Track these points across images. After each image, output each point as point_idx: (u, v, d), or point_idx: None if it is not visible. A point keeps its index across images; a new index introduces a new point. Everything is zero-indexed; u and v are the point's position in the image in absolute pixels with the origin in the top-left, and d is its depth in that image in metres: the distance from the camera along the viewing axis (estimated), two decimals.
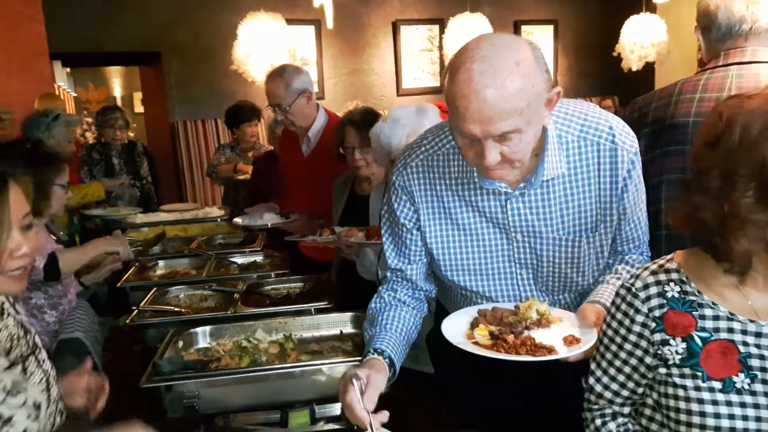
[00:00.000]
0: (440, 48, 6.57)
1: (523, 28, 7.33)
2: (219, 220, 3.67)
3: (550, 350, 1.22)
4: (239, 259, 2.81)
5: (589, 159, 1.38)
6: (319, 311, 2.10)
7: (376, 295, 1.58)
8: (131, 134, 4.62)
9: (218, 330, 1.95)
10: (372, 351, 1.41)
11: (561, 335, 1.28)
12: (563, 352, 1.23)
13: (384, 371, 1.36)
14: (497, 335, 1.27)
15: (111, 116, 4.16)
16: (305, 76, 2.82)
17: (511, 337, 1.24)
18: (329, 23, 5.00)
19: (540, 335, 1.27)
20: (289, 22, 5.38)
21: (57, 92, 5.87)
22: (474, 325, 1.36)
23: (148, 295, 2.26)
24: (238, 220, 3.03)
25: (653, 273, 1.17)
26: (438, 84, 6.99)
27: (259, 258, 2.85)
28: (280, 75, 2.77)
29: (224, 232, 3.39)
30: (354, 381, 1.28)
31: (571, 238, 1.43)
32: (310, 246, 2.56)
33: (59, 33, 5.26)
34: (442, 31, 6.56)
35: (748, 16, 1.68)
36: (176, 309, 2.17)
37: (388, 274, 1.58)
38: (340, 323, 2.01)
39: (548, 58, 6.77)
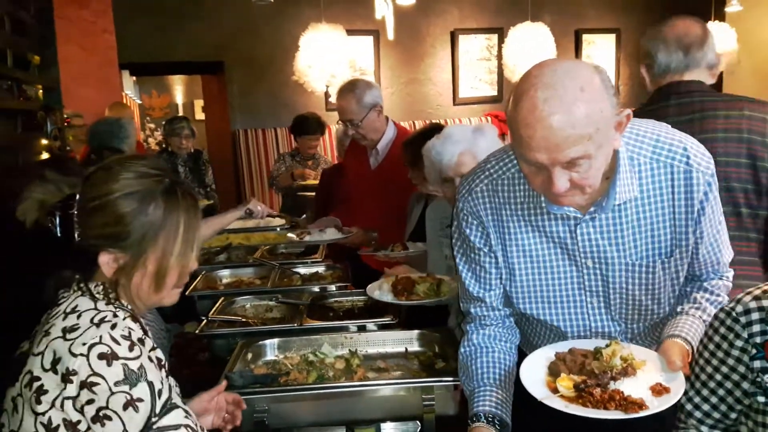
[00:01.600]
0: (499, 57, 6.51)
1: (585, 36, 7.18)
2: (279, 228, 3.72)
3: (641, 405, 1.16)
4: (302, 270, 2.84)
5: (662, 182, 1.33)
6: (384, 327, 2.10)
7: (464, 338, 1.53)
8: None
9: (285, 343, 1.96)
10: (480, 416, 1.36)
11: (647, 383, 1.21)
12: (654, 406, 1.16)
13: None
14: (583, 388, 1.21)
15: (177, 125, 4.29)
16: (375, 90, 2.84)
17: (598, 391, 1.18)
18: (390, 34, 5.02)
19: (626, 386, 1.21)
20: (349, 33, 5.43)
21: (124, 100, 6.10)
22: (553, 371, 1.30)
23: (216, 305, 2.30)
24: (292, 235, 3.03)
25: (756, 298, 1.13)
26: (496, 93, 6.92)
27: (321, 269, 2.87)
28: (351, 90, 2.79)
29: (286, 241, 3.42)
30: None
31: (644, 264, 1.37)
32: (381, 260, 2.57)
33: (127, 43, 5.47)
34: (501, 40, 6.49)
35: (683, 55, 1.94)
36: (243, 320, 2.20)
37: (471, 308, 1.53)
38: (405, 341, 1.99)
39: (610, 67, 6.68)
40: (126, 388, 1.07)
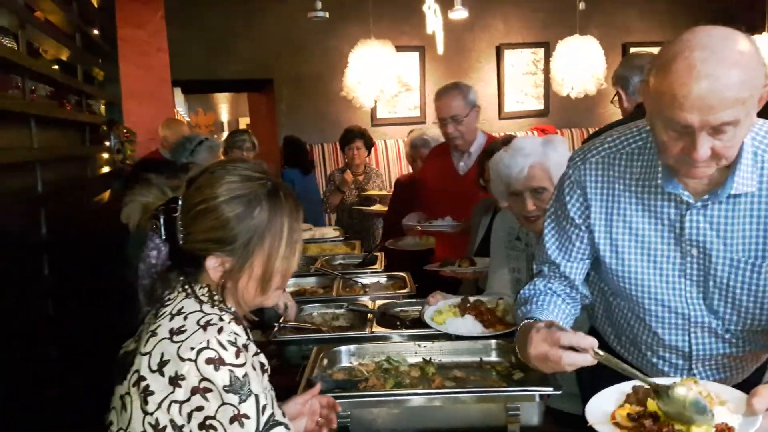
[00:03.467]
0: (546, 71, 6.48)
1: (632, 50, 7.09)
2: (328, 240, 3.75)
3: None
4: (363, 280, 2.83)
5: None
6: (457, 336, 2.06)
7: (528, 284, 1.56)
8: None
9: (360, 350, 1.95)
10: (532, 319, 1.41)
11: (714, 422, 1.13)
12: None
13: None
14: (636, 418, 1.17)
15: (239, 138, 4.32)
16: (475, 91, 2.97)
17: (649, 422, 1.14)
18: (440, 49, 5.04)
19: None
20: (396, 48, 5.48)
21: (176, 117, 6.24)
22: (636, 401, 1.24)
23: None
24: (412, 223, 3.06)
25: None
26: (542, 107, 6.88)
27: (382, 279, 2.86)
28: (456, 88, 2.91)
29: (342, 253, 3.44)
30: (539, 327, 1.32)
31: (751, 262, 1.32)
32: (446, 275, 2.54)
33: (179, 61, 5.61)
34: (548, 54, 6.47)
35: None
36: (314, 326, 2.20)
37: (545, 268, 1.55)
38: (480, 351, 1.94)
39: None
40: (235, 400, 1.06)
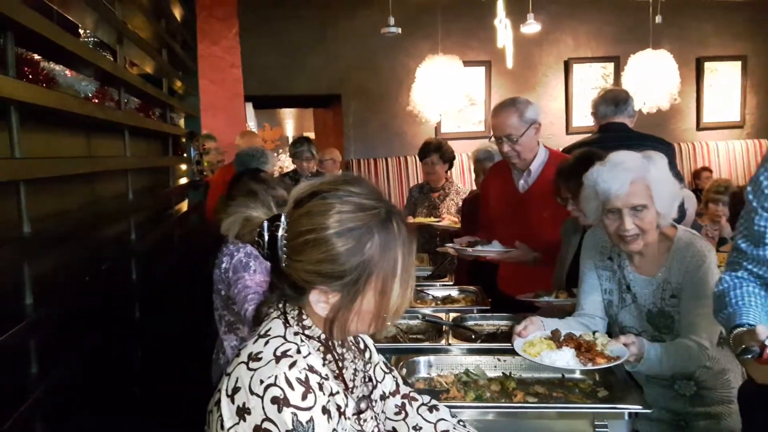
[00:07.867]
0: (616, 85, 6.33)
1: (707, 64, 6.86)
2: None
3: None
4: (434, 292, 2.82)
5: None
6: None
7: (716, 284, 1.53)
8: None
9: (438, 361, 1.94)
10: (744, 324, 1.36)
11: None
12: None
13: None
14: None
15: (300, 148, 4.41)
16: (536, 107, 2.72)
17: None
18: (509, 63, 5.01)
19: None
20: (462, 63, 5.48)
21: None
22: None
23: None
24: (456, 245, 2.86)
25: None
26: None
27: (453, 292, 2.83)
28: (512, 105, 2.68)
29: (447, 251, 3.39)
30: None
31: None
32: (541, 305, 2.40)
33: (251, 77, 5.78)
34: (618, 69, 6.33)
35: (613, 107, 3.19)
36: (388, 337, 2.20)
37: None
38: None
39: (735, 97, 6.31)
40: None
